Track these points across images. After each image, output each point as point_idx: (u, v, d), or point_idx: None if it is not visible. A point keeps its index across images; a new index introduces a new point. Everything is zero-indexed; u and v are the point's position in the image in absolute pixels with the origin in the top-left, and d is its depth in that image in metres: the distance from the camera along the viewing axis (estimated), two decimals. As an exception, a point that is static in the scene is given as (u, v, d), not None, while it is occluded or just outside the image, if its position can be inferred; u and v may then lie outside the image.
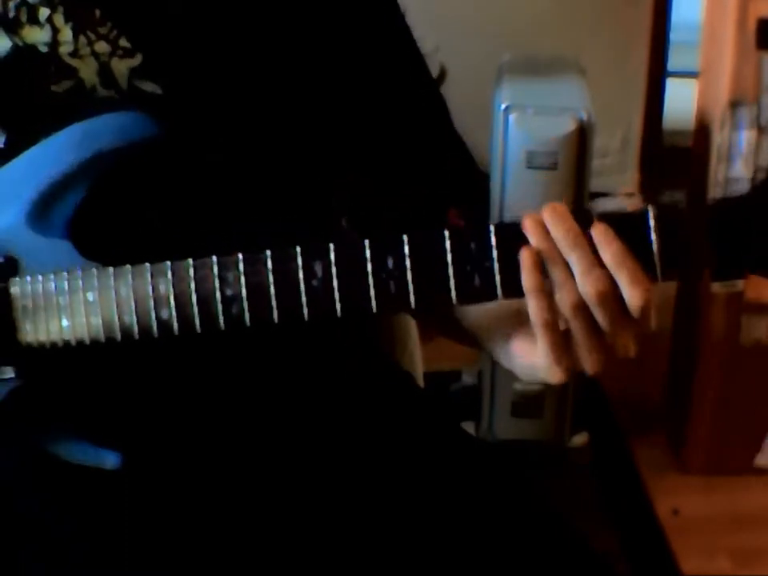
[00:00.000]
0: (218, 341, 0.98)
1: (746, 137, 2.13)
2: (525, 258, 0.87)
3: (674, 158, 2.96)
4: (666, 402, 2.57)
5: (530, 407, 2.35)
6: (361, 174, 1.11)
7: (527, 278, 0.87)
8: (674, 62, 3.40)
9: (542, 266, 0.87)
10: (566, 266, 0.87)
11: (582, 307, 0.87)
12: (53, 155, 0.98)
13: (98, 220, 1.00)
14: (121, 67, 1.02)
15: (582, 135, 2.13)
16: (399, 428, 1.12)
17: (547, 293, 0.87)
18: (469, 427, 2.40)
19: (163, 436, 1.07)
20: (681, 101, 3.18)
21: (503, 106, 2.17)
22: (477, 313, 1.00)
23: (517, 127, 2.15)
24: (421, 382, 1.39)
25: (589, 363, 0.90)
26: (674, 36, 3.36)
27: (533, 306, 0.88)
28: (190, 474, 1.06)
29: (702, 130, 2.28)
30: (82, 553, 1.03)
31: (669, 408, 2.55)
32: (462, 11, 2.92)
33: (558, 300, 0.87)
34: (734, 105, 2.13)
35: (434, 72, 1.16)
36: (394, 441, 1.11)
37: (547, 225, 0.87)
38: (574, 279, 0.87)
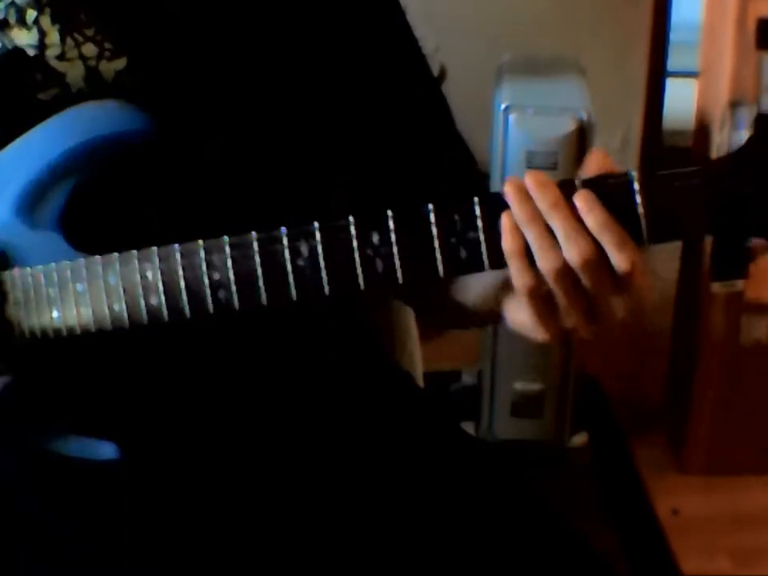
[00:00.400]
0: (216, 335, 0.98)
1: (745, 137, 2.13)
2: (505, 221, 0.87)
3: (674, 158, 2.96)
4: (666, 402, 2.57)
5: (529, 407, 2.35)
6: (359, 173, 1.11)
7: (507, 241, 0.87)
8: (673, 61, 3.40)
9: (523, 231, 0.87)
10: (548, 230, 0.86)
11: (564, 272, 0.86)
12: (39, 146, 0.98)
13: (88, 212, 0.99)
14: (108, 69, 1.02)
15: (582, 135, 2.13)
16: (399, 428, 1.12)
17: (528, 256, 0.87)
18: (468, 427, 2.41)
19: (160, 428, 1.07)
20: (681, 101, 3.18)
21: (503, 106, 2.17)
22: (472, 289, 0.99)
23: (517, 127, 2.15)
24: (420, 382, 1.39)
25: (575, 327, 0.89)
26: (673, 36, 3.36)
27: (513, 268, 0.87)
28: (188, 470, 1.07)
29: (702, 129, 2.29)
30: (82, 553, 1.03)
31: (669, 408, 2.55)
32: (462, 11, 2.92)
33: (538, 265, 0.87)
34: (734, 105, 2.13)
35: (434, 72, 1.16)
36: (394, 441, 1.11)
37: (528, 190, 0.87)
38: (557, 244, 0.86)
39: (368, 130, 1.09)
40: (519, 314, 0.92)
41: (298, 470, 1.07)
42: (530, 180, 0.87)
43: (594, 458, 2.43)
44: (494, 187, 2.29)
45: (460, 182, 1.13)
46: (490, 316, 0.99)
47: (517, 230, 0.87)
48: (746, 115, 2.13)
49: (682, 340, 2.49)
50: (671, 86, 3.42)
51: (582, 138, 2.13)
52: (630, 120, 3.16)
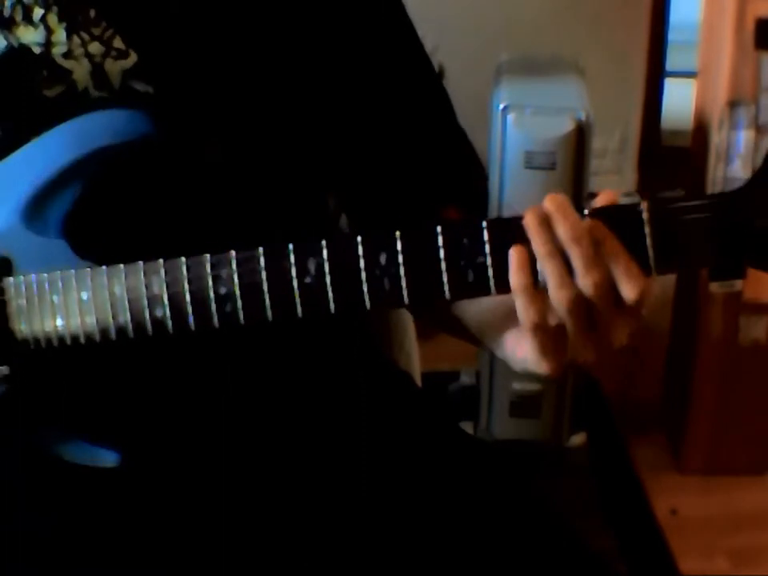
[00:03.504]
0: (215, 338, 0.98)
1: (744, 137, 2.13)
2: (514, 256, 0.87)
3: (672, 159, 2.96)
4: (665, 402, 2.57)
5: (528, 407, 2.35)
6: (359, 173, 1.11)
7: (516, 277, 0.87)
8: (672, 62, 3.41)
9: (531, 264, 0.87)
10: (565, 261, 0.87)
11: (579, 303, 0.87)
12: (46, 153, 0.97)
13: (93, 219, 0.99)
14: (114, 68, 1.02)
15: (581, 135, 2.13)
16: (397, 428, 1.12)
17: (535, 291, 0.87)
18: (467, 427, 2.41)
19: (161, 435, 1.07)
20: (679, 101, 3.18)
21: (501, 106, 2.17)
22: (474, 309, 1.00)
23: (515, 127, 2.15)
24: (419, 382, 1.39)
25: (582, 356, 0.90)
26: (672, 36, 3.37)
27: (521, 304, 0.88)
28: (189, 477, 1.06)
29: (701, 130, 2.29)
30: (81, 558, 1.03)
31: (667, 408, 2.55)
32: (461, 11, 2.92)
33: (552, 296, 0.87)
34: (733, 105, 2.13)
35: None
36: (392, 441, 1.10)
37: (550, 216, 0.87)
38: (572, 275, 0.86)
39: (370, 128, 1.09)
40: (523, 347, 0.92)
41: (297, 471, 1.07)
42: (552, 206, 0.87)
43: (592, 458, 2.43)
44: (492, 188, 2.29)
45: (461, 179, 1.13)
46: (478, 341, 1.00)
47: (527, 266, 0.87)
48: (745, 115, 2.13)
49: (680, 340, 2.50)
50: (670, 86, 3.43)
51: (580, 138, 2.13)
52: (628, 120, 3.16)
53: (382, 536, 1.03)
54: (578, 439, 2.42)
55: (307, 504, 1.05)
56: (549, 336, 0.89)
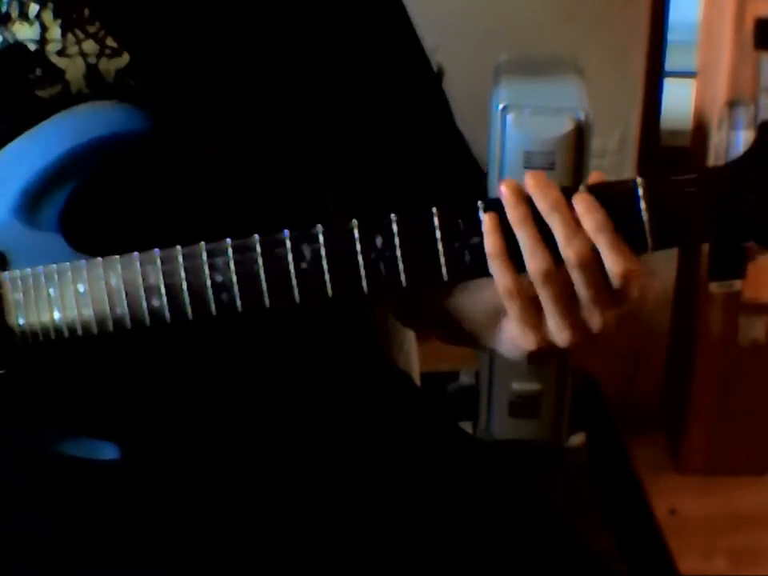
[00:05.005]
0: (215, 333, 0.98)
1: (743, 137, 2.13)
2: (487, 221, 0.87)
3: (672, 158, 2.96)
4: (664, 402, 2.57)
5: (527, 407, 2.35)
6: (357, 172, 1.11)
7: (489, 241, 0.87)
8: (671, 61, 3.40)
9: (507, 232, 0.87)
10: (539, 232, 0.86)
11: (552, 275, 0.86)
12: (40, 146, 0.97)
13: (89, 213, 0.99)
14: (109, 67, 1.01)
15: (580, 135, 2.13)
16: (396, 428, 1.12)
17: (511, 258, 0.87)
18: (466, 427, 2.41)
19: (161, 428, 1.07)
20: (678, 101, 3.18)
21: (501, 106, 2.17)
22: (472, 304, 0.99)
23: (514, 127, 2.15)
24: (418, 382, 1.38)
25: (560, 335, 0.89)
26: (671, 36, 3.36)
27: (495, 268, 0.87)
28: (189, 471, 1.07)
29: (700, 130, 2.29)
30: (81, 554, 1.03)
31: (666, 408, 2.55)
32: (460, 11, 2.92)
33: (527, 266, 0.86)
34: (732, 105, 2.13)
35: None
36: (392, 441, 1.11)
37: (528, 189, 0.86)
38: (547, 246, 0.86)
39: (369, 127, 1.09)
40: (508, 326, 0.92)
41: (297, 470, 1.07)
42: (531, 180, 0.87)
43: (591, 458, 2.43)
44: (492, 187, 2.28)
45: (459, 178, 1.13)
46: (474, 339, 1.00)
47: (499, 231, 0.87)
48: (744, 115, 2.13)
49: (679, 340, 2.50)
50: (669, 85, 3.43)
51: (579, 138, 2.13)
52: (627, 120, 3.16)
53: (381, 535, 1.03)
54: (577, 439, 2.42)
55: (307, 503, 1.05)
56: (527, 305, 0.88)
